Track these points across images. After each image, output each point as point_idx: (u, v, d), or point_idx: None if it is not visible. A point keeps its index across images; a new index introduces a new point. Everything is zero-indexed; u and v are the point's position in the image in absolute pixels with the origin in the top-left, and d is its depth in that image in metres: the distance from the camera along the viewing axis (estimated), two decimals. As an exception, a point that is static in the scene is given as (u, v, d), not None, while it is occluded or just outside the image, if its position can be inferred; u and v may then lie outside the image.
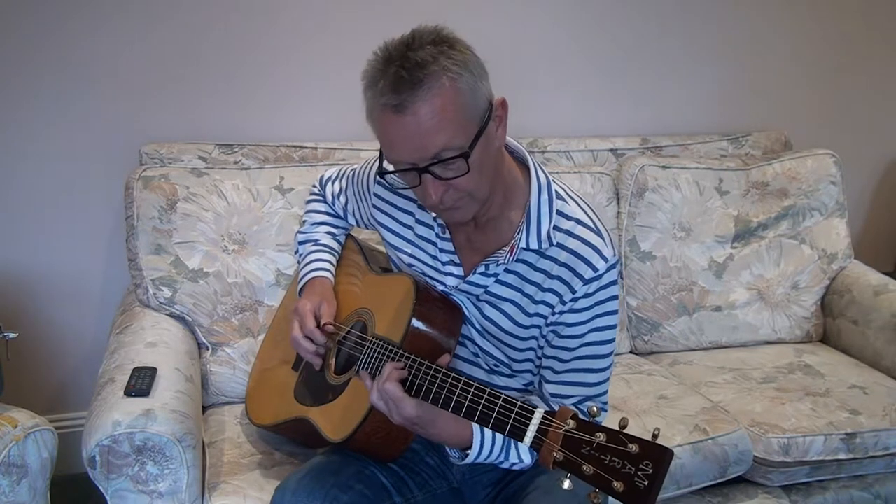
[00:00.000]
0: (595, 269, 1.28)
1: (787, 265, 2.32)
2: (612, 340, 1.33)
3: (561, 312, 1.31)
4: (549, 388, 1.36)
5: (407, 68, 1.12)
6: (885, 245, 2.94)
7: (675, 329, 2.25)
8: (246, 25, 2.11)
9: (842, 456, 1.87)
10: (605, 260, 1.29)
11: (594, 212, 1.35)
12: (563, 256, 1.29)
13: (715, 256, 2.28)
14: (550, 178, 1.33)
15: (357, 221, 1.61)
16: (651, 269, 2.24)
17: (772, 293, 2.31)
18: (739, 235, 2.30)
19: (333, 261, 1.60)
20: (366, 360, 1.35)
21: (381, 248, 1.75)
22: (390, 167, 1.23)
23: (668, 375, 2.09)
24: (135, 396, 1.47)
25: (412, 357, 1.26)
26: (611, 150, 2.35)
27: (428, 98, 1.12)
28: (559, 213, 1.31)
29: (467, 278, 1.35)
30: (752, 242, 2.31)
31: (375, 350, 1.34)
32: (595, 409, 1.04)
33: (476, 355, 1.42)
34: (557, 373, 1.35)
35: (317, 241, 1.62)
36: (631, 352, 2.27)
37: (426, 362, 1.24)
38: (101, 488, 1.43)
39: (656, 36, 2.44)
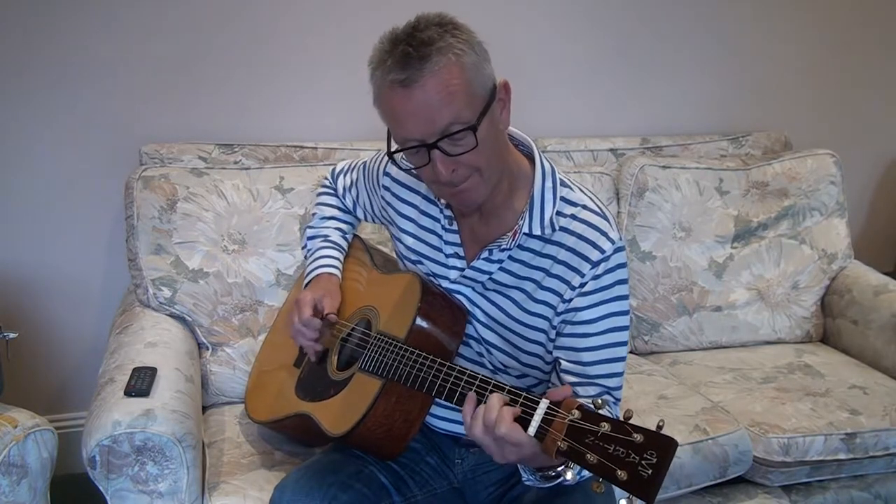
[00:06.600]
0: (602, 251, 1.28)
1: (787, 265, 2.32)
2: (627, 328, 1.31)
3: (570, 299, 1.29)
4: (567, 378, 1.32)
5: (414, 45, 1.15)
6: (885, 245, 2.93)
7: (675, 329, 2.25)
8: (246, 26, 2.11)
9: (842, 456, 1.87)
10: (612, 242, 1.29)
11: (599, 199, 1.35)
12: (570, 241, 1.29)
13: (715, 256, 2.28)
14: (556, 167, 1.33)
15: (366, 215, 1.62)
16: (651, 269, 2.23)
17: (772, 293, 2.31)
18: (739, 235, 2.30)
19: (341, 258, 1.61)
20: (369, 357, 1.36)
21: (385, 248, 1.76)
22: (398, 150, 1.23)
23: (668, 375, 2.09)
24: (135, 396, 1.47)
25: (415, 352, 1.27)
26: (611, 150, 2.34)
27: (435, 72, 1.14)
28: (563, 199, 1.31)
29: (471, 264, 1.35)
30: (752, 242, 2.31)
31: (379, 346, 1.35)
32: (600, 402, 1.04)
33: (481, 355, 1.42)
34: (576, 364, 1.30)
35: (326, 237, 1.62)
36: (631, 352, 2.26)
37: (430, 356, 1.25)
38: (101, 488, 1.43)
39: (656, 36, 2.44)
